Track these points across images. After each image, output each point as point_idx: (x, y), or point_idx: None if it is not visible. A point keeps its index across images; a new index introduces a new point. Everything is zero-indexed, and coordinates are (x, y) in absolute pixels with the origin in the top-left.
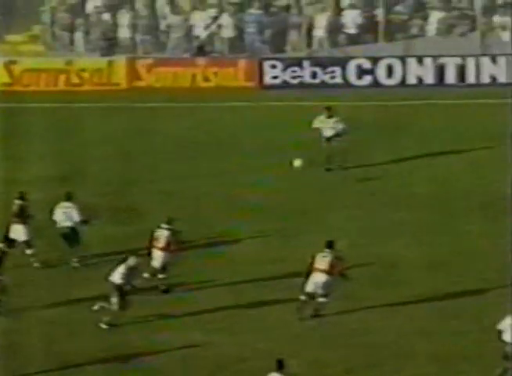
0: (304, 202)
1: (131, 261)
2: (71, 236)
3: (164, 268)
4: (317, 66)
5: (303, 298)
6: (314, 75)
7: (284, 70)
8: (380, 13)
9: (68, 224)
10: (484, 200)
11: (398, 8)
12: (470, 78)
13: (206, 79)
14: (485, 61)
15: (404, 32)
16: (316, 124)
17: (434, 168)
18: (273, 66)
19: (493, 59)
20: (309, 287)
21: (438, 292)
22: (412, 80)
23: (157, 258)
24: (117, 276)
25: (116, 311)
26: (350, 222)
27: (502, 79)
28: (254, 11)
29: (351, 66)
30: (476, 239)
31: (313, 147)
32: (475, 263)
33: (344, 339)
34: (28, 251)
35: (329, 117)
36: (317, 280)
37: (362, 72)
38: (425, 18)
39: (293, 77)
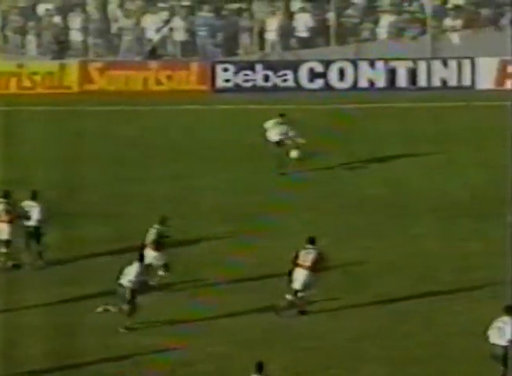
0: (258, 206)
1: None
2: (35, 234)
3: (165, 266)
4: (269, 69)
5: (289, 297)
6: (266, 78)
7: (236, 73)
8: (331, 17)
9: (32, 223)
10: (437, 203)
11: (349, 11)
12: (422, 82)
13: (158, 82)
14: (436, 64)
15: (355, 36)
16: (267, 127)
17: (386, 172)
18: (225, 70)
19: (444, 63)
20: (296, 284)
21: (390, 295)
22: (363, 83)
23: (148, 257)
24: (129, 278)
25: (126, 314)
26: (303, 226)
27: (452, 82)
28: (206, 14)
29: (303, 70)
30: (428, 242)
31: (266, 150)
32: (427, 266)
33: (294, 342)
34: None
35: (281, 123)
36: (300, 276)
37: (313, 75)
38: (376, 21)
39: (246, 81)
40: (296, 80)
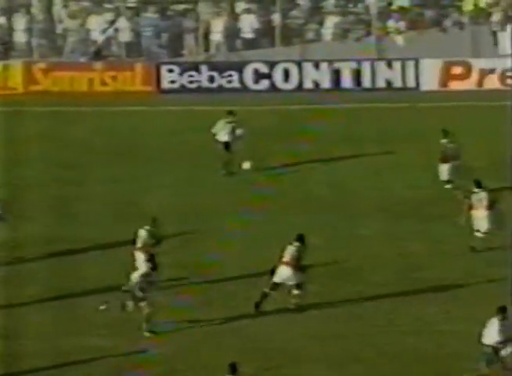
0: (203, 207)
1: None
2: None
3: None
4: (214, 70)
5: (266, 290)
6: (211, 79)
7: (181, 74)
8: (276, 18)
9: None
10: (382, 203)
11: (294, 13)
12: (366, 82)
13: (103, 83)
14: (381, 65)
15: (300, 37)
16: (215, 128)
17: (331, 172)
18: (170, 71)
19: (388, 64)
20: (276, 277)
21: (334, 295)
22: (308, 84)
23: (138, 259)
24: (137, 278)
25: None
26: (248, 227)
27: (397, 83)
28: (151, 15)
29: (248, 71)
30: (373, 242)
31: (211, 151)
32: (372, 266)
33: (238, 344)
34: None
35: (230, 122)
36: (282, 272)
37: (259, 76)
38: (321, 23)
39: (191, 82)
40: (241, 81)
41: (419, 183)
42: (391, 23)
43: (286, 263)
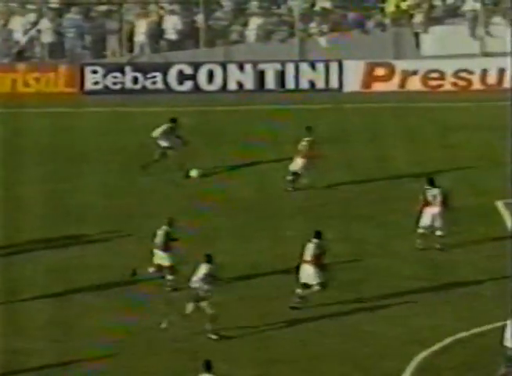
0: (126, 208)
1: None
2: None
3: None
4: (138, 71)
5: (298, 291)
6: (135, 81)
7: (105, 75)
8: (200, 19)
9: None
10: (306, 204)
11: (218, 14)
12: (289, 84)
13: (26, 84)
14: (304, 67)
15: (224, 38)
16: (155, 132)
17: (255, 173)
18: (94, 72)
19: (312, 65)
20: (302, 278)
21: (259, 295)
22: (232, 85)
23: (157, 258)
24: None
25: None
26: (179, 229)
27: (320, 85)
28: (74, 16)
29: (172, 72)
30: (297, 243)
31: (135, 152)
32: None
33: (165, 344)
34: None
35: (171, 128)
36: (305, 271)
37: (183, 78)
38: (244, 24)
39: (115, 83)
40: (165, 82)
41: (342, 184)
42: (314, 25)
43: (308, 262)
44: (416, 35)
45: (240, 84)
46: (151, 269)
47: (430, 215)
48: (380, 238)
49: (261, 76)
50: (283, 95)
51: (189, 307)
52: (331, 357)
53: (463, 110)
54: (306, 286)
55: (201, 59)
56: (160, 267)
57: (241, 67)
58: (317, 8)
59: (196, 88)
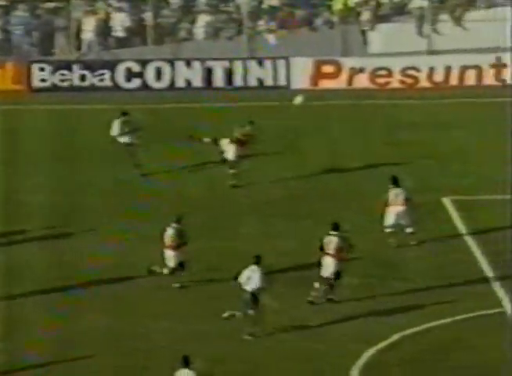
0: (79, 206)
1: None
2: None
3: (180, 265)
4: (86, 69)
5: (316, 285)
6: (83, 78)
7: (53, 73)
8: (148, 17)
9: None
10: (254, 203)
11: (166, 11)
12: (238, 81)
13: None
14: (252, 64)
15: (172, 35)
16: (113, 131)
17: (204, 171)
18: (42, 69)
19: (260, 63)
20: (323, 272)
21: (210, 294)
22: (180, 83)
23: (168, 257)
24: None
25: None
26: (120, 226)
27: (268, 82)
28: (21, 13)
29: (120, 70)
30: (251, 241)
31: (82, 150)
32: (245, 266)
33: (115, 343)
34: None
35: (125, 122)
36: (328, 264)
37: (131, 75)
38: (193, 21)
39: (63, 80)
40: (113, 79)
41: (289, 182)
42: (261, 22)
43: (331, 255)
44: (364, 33)
45: (188, 82)
46: (165, 270)
47: (393, 214)
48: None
49: (209, 73)
50: (231, 93)
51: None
52: (279, 353)
53: (411, 108)
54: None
55: (149, 56)
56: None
57: (189, 65)
58: (265, 5)
59: (144, 85)
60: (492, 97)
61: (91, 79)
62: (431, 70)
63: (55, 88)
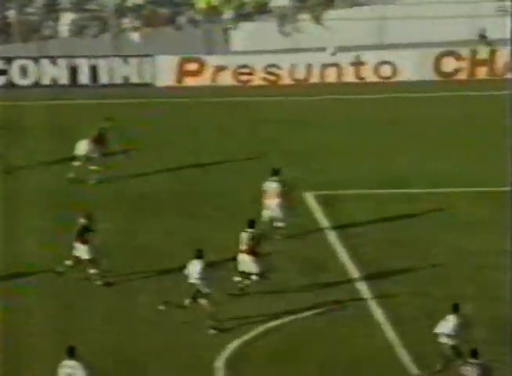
0: None
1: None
2: None
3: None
4: None
5: (237, 278)
6: None
7: None
8: (12, 14)
9: None
10: (116, 198)
11: (30, 9)
12: (103, 79)
13: None
14: (117, 62)
15: (37, 33)
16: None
17: (67, 167)
18: None
19: (125, 60)
20: (240, 266)
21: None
22: (46, 80)
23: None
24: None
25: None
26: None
27: (134, 79)
28: None
29: None
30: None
31: None
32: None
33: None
34: None
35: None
36: (242, 260)
37: None
38: (57, 19)
39: None
40: None
41: (151, 177)
42: (126, 20)
43: (244, 251)
44: (226, 31)
45: (54, 80)
46: (68, 262)
47: (269, 206)
48: (191, 230)
49: (74, 71)
50: (97, 90)
51: (187, 302)
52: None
53: (273, 104)
54: (244, 274)
55: (14, 53)
56: (77, 259)
57: (54, 62)
58: (129, 3)
59: (9, 82)
60: (351, 94)
61: None
62: (292, 67)
63: None
